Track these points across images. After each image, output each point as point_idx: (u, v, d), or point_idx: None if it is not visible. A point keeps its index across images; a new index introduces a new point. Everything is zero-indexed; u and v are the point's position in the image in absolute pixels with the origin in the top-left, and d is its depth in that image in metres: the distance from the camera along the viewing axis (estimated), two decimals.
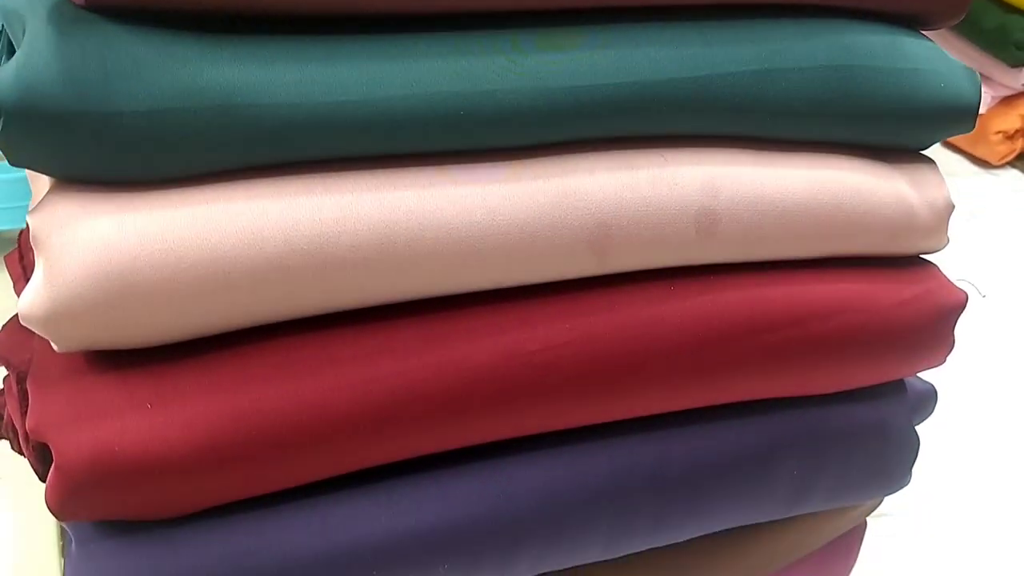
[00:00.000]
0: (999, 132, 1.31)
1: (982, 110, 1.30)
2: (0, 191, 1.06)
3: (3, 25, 0.36)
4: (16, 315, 0.46)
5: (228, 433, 0.37)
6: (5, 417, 0.40)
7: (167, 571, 0.38)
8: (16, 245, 0.55)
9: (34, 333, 0.37)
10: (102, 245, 0.33)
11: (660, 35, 0.39)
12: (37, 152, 0.33)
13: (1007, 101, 1.32)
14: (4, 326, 0.45)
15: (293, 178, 0.36)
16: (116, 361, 0.37)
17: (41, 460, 0.37)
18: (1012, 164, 1.36)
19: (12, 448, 0.40)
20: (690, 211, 0.41)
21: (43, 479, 0.37)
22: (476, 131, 0.37)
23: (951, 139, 1.16)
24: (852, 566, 0.61)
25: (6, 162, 0.33)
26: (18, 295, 0.51)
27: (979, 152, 1.34)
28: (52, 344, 0.35)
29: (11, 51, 0.36)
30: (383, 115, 0.35)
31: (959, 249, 0.54)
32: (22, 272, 0.52)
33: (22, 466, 0.38)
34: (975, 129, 0.46)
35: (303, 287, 0.36)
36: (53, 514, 0.36)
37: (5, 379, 0.40)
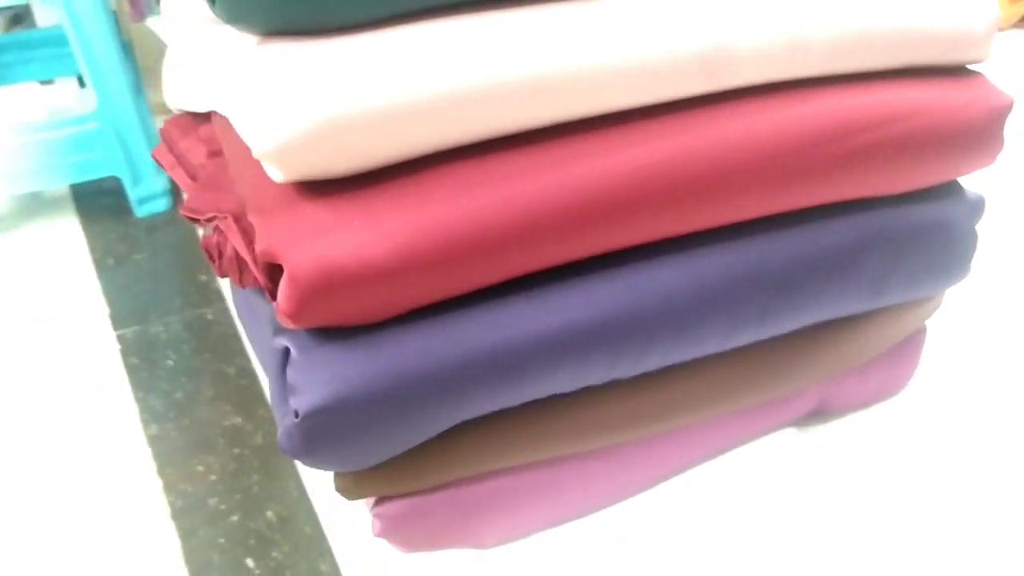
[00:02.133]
0: None
1: None
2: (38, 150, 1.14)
3: None
4: (194, 188, 0.52)
5: (417, 243, 0.44)
6: (226, 254, 0.46)
7: (373, 365, 0.45)
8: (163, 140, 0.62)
9: (223, 189, 0.44)
10: (318, 89, 0.40)
11: None
12: (248, 4, 0.40)
13: None
14: (189, 196, 0.52)
15: (464, 17, 0.42)
16: (323, 189, 0.44)
17: (271, 278, 0.44)
18: (1017, 26, 1.44)
19: (232, 282, 0.47)
20: (786, 30, 0.47)
21: (273, 297, 0.44)
22: None
23: None
24: (915, 367, 0.69)
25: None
26: (174, 176, 0.58)
27: None
28: (277, 174, 0.42)
29: None
30: None
31: None
32: (175, 160, 0.59)
33: None
34: None
35: (485, 110, 0.43)
36: (289, 319, 0.43)
37: (221, 222, 0.47)
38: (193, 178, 0.57)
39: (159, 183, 1.78)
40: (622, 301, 0.49)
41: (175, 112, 0.65)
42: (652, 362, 0.52)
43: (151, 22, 1.04)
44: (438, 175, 0.45)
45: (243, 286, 0.47)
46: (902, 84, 0.52)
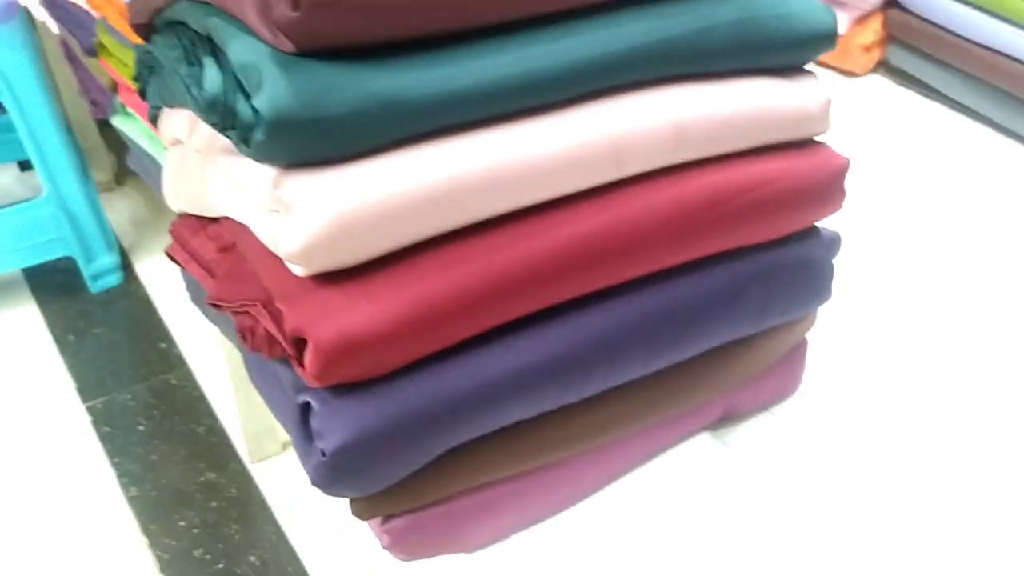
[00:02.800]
0: (860, 46, 1.57)
1: (842, 31, 1.56)
2: None
3: (235, 73, 0.55)
4: (219, 281, 0.65)
5: (410, 314, 0.57)
6: (258, 334, 0.59)
7: (381, 410, 0.58)
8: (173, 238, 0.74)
9: (243, 280, 0.58)
10: (334, 201, 0.54)
11: (632, 16, 0.61)
12: (279, 149, 0.53)
13: (861, 20, 1.58)
14: (216, 289, 0.65)
15: (438, 142, 0.57)
16: (334, 277, 0.57)
17: (297, 350, 0.57)
18: (874, 71, 1.62)
19: (263, 354, 0.60)
20: (670, 127, 0.63)
21: (299, 364, 0.57)
22: (537, 93, 0.58)
23: (823, 58, 1.41)
24: (800, 379, 0.84)
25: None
26: (190, 271, 0.71)
27: (847, 65, 1.60)
28: (301, 270, 0.55)
29: (238, 87, 0.55)
30: (483, 92, 0.56)
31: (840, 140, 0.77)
32: (188, 256, 0.72)
33: None
34: (840, 47, 0.68)
35: (456, 207, 0.57)
36: (315, 380, 0.56)
37: (252, 309, 0.60)
38: (208, 271, 0.69)
39: (111, 259, 1.86)
40: (567, 341, 0.64)
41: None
42: (592, 388, 0.66)
43: (116, 121, 1.15)
44: (422, 257, 0.59)
45: (270, 357, 0.60)
46: (763, 158, 0.68)
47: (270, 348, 0.59)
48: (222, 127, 0.55)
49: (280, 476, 1.52)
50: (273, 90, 0.52)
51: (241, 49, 0.53)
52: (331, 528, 1.42)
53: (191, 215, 0.74)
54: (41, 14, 1.45)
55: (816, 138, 0.71)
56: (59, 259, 1.83)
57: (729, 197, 0.65)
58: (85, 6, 1.15)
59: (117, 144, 2.30)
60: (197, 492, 1.54)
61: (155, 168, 1.10)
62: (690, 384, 0.73)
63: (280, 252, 0.55)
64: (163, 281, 1.93)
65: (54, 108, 1.59)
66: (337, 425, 0.58)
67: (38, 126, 1.55)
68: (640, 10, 0.61)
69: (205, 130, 0.65)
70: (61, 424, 1.63)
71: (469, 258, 0.59)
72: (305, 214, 0.54)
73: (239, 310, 0.61)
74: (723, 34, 0.63)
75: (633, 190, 0.64)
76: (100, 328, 1.80)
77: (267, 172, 0.56)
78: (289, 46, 0.52)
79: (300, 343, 0.57)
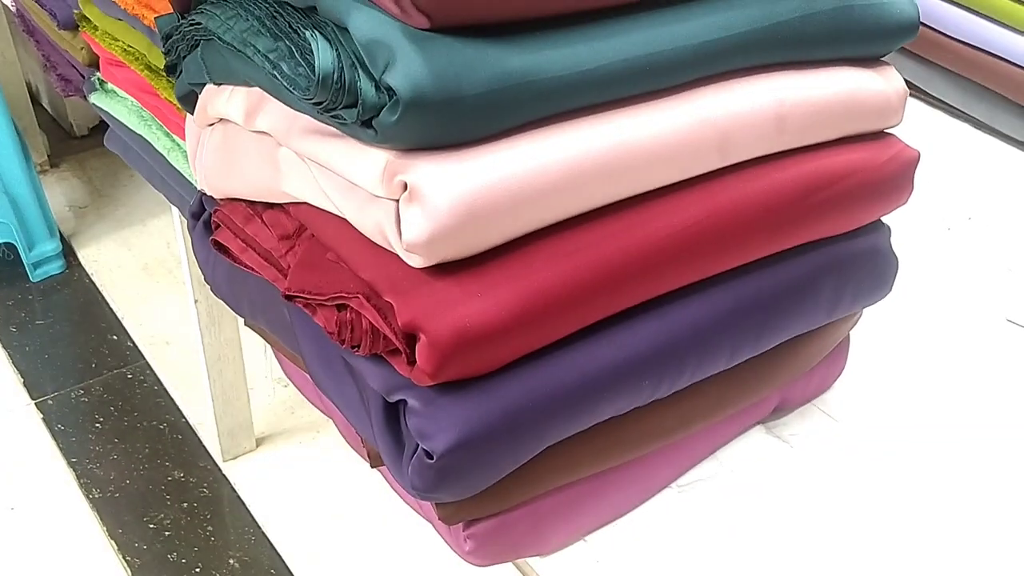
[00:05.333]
0: None
1: None
2: None
3: (355, 52, 0.51)
4: (298, 271, 0.60)
5: (525, 307, 0.54)
6: (362, 327, 0.55)
7: (486, 408, 0.55)
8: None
9: (324, 269, 0.54)
10: (462, 187, 0.50)
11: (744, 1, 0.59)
12: (409, 131, 0.49)
13: None
14: (295, 280, 0.60)
15: (557, 126, 0.53)
16: (448, 269, 0.53)
17: (409, 345, 0.53)
18: None
19: (361, 349, 0.55)
20: (772, 115, 0.61)
21: (411, 362, 0.53)
22: (657, 76, 0.56)
23: None
24: (843, 367, 0.85)
25: None
26: (245, 260, 0.66)
27: None
28: (420, 261, 0.52)
29: (358, 63, 0.51)
30: (608, 74, 0.54)
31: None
32: (243, 244, 0.67)
33: None
34: None
35: (576, 193, 0.54)
36: (428, 378, 0.53)
37: (352, 301, 0.55)
38: (268, 260, 0.64)
39: (52, 246, 1.75)
40: (664, 334, 0.62)
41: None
42: (683, 381, 0.64)
43: (95, 99, 1.07)
44: (532, 248, 0.56)
45: (370, 352, 0.55)
46: (846, 149, 0.67)
47: (372, 343, 0.55)
48: (331, 106, 0.51)
49: (255, 474, 1.46)
50: (409, 67, 0.48)
51: (366, 23, 0.49)
52: (313, 526, 1.37)
53: (239, 200, 0.69)
54: None
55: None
56: None
57: (819, 188, 0.64)
58: None
59: (50, 125, 2.17)
60: (165, 493, 1.46)
61: (141, 149, 1.03)
62: (759, 376, 0.72)
63: (397, 241, 0.51)
64: (107, 269, 1.83)
65: None
66: (445, 424, 0.54)
67: None
68: None
69: (278, 109, 0.60)
70: (9, 423, 1.52)
71: (579, 249, 0.56)
72: (432, 201, 0.50)
73: (330, 303, 0.57)
74: (824, 20, 0.62)
75: (733, 179, 0.62)
76: (43, 319, 1.69)
77: (379, 156, 0.52)
78: (422, 21, 0.49)
79: (410, 338, 0.53)
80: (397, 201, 0.52)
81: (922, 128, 1.27)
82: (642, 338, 0.61)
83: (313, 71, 0.51)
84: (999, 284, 1.01)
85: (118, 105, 1.03)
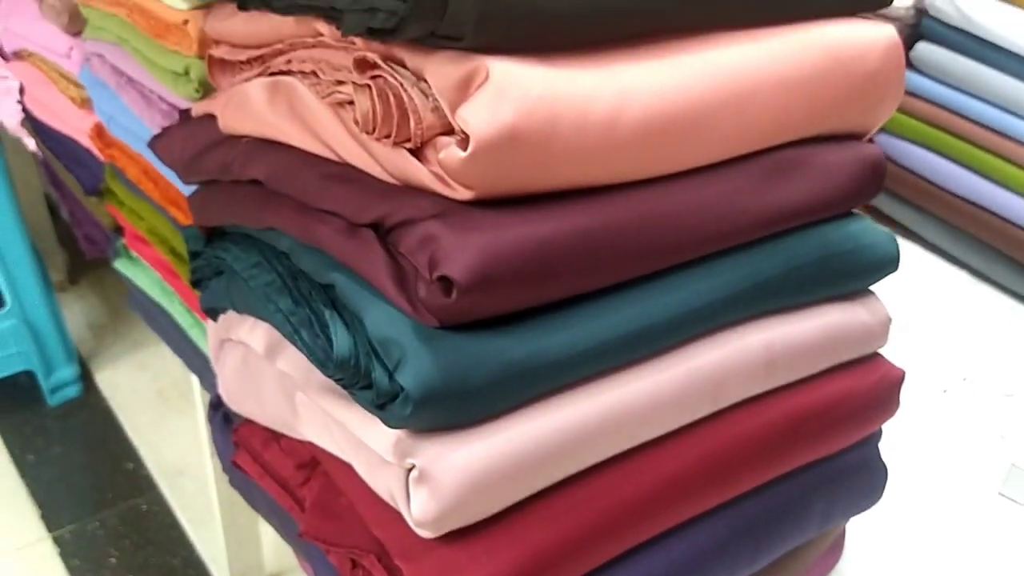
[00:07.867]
0: None
1: None
2: None
3: (370, 341, 0.55)
4: (315, 515, 0.64)
5: (529, 566, 0.57)
6: None
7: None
8: None
9: (341, 517, 0.57)
10: (468, 470, 0.54)
11: (732, 262, 0.63)
12: (418, 420, 0.53)
13: None
14: (313, 526, 0.63)
15: (556, 398, 0.57)
16: (453, 533, 0.57)
17: None
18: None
19: None
20: (761, 361, 0.65)
21: None
22: (651, 344, 0.60)
23: None
24: (840, 556, 0.87)
25: None
26: (263, 485, 0.69)
27: None
28: (428, 534, 0.55)
29: (374, 354, 0.54)
30: (604, 350, 0.58)
31: None
32: (262, 469, 0.70)
33: None
34: None
35: (573, 459, 0.58)
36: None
37: (364, 558, 0.59)
38: (285, 488, 0.68)
39: (71, 371, 1.79)
40: (662, 566, 0.65)
41: None
42: None
43: (120, 265, 1.11)
44: (534, 507, 0.59)
45: None
46: (833, 378, 0.71)
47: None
48: (347, 385, 0.55)
49: None
50: (419, 368, 0.52)
51: (379, 321, 0.53)
52: None
53: (259, 427, 0.72)
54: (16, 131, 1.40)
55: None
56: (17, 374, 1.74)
57: (809, 419, 0.68)
58: (88, 144, 1.12)
59: (71, 241, 2.22)
60: None
61: (163, 319, 1.06)
62: None
63: (406, 511, 0.55)
64: (124, 392, 1.86)
65: (19, 220, 1.52)
66: None
67: (3, 241, 1.48)
68: (737, 256, 0.64)
69: (297, 358, 0.64)
70: (27, 557, 1.55)
71: (578, 505, 0.60)
72: (440, 484, 0.54)
73: (345, 555, 0.60)
74: (808, 271, 0.66)
75: (724, 421, 0.66)
76: (60, 446, 1.72)
77: (390, 431, 0.56)
78: (432, 321, 0.53)
79: None
80: (408, 471, 0.55)
81: (918, 275, 1.29)
82: (642, 572, 0.64)
83: (332, 346, 0.56)
84: (992, 454, 1.03)
85: (141, 275, 1.07)
